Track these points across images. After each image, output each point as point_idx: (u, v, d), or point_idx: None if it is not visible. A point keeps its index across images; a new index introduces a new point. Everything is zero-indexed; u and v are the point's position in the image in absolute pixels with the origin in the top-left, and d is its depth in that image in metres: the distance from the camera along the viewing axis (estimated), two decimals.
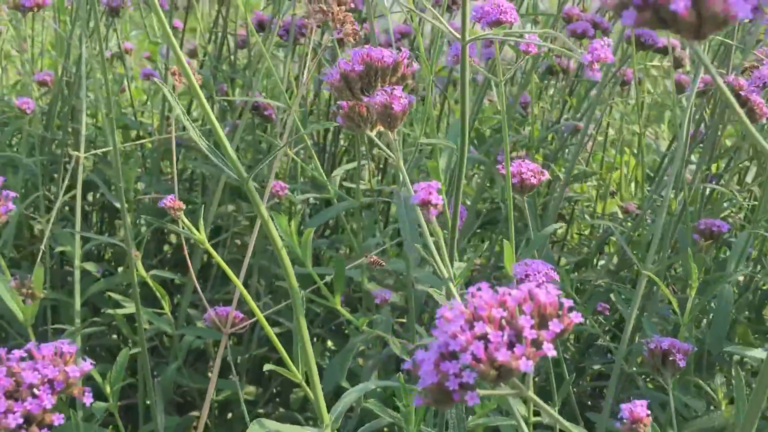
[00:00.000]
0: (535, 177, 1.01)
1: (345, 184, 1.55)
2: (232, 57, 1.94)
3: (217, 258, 0.93)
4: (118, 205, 1.59)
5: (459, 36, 0.78)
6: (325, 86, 1.34)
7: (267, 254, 1.61)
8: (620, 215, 1.81)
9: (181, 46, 1.93)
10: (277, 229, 0.97)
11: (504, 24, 0.87)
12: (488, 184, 1.65)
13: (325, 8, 1.05)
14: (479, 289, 0.48)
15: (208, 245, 0.92)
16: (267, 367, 0.86)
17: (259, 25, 1.79)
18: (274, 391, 1.63)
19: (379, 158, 1.84)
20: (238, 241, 1.83)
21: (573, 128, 1.65)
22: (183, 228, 0.94)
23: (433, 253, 0.76)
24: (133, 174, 1.66)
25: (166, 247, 1.91)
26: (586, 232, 2.00)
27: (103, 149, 1.55)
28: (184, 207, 0.93)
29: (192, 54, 1.95)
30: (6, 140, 1.80)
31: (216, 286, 1.66)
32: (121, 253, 1.76)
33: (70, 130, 1.77)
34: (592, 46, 0.88)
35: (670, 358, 0.90)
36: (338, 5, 1.05)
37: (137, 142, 1.69)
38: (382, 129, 0.77)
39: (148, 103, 2.15)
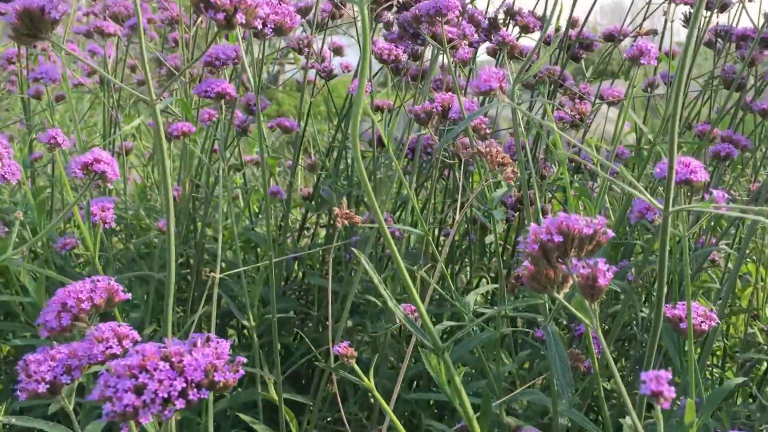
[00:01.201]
0: (705, 322, 0.99)
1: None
2: (349, 171, 1.97)
3: (382, 402, 0.93)
4: (246, 322, 1.62)
5: (649, 199, 0.77)
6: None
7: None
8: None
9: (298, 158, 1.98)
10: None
11: (694, 183, 0.86)
12: None
13: (482, 150, 1.05)
14: None
15: (376, 393, 0.92)
16: None
17: (379, 141, 1.83)
18: None
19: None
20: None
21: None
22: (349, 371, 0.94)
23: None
24: (257, 290, 1.69)
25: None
26: None
27: (233, 271, 1.58)
28: (356, 355, 0.93)
29: (311, 168, 1.99)
30: (136, 252, 1.86)
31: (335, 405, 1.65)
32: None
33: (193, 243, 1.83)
34: None
35: None
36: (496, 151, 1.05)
37: (260, 264, 1.72)
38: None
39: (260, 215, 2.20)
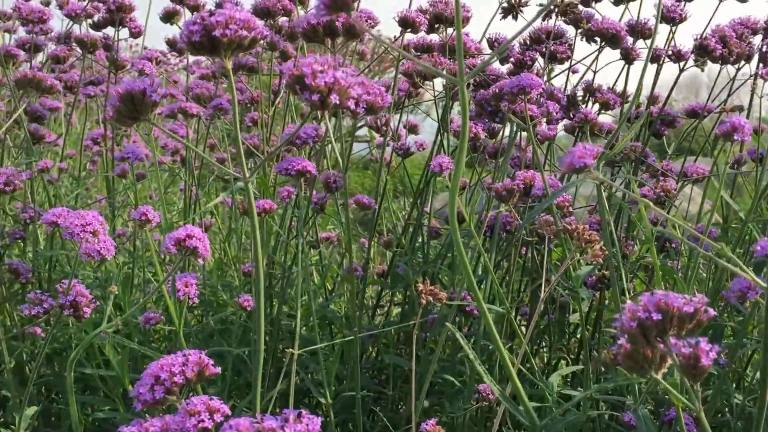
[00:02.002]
0: None
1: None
2: (426, 248, 1.97)
3: None
4: (322, 399, 1.60)
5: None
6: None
7: None
8: None
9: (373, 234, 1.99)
10: None
11: None
12: None
13: (569, 227, 1.04)
14: None
15: None
16: None
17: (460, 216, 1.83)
18: None
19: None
20: None
21: None
22: None
23: None
24: (334, 367, 1.68)
25: None
26: None
27: (310, 347, 1.57)
28: None
29: (387, 245, 1.99)
30: (214, 327, 1.87)
31: None
32: None
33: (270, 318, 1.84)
34: None
35: None
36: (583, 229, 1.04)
37: (336, 342, 1.71)
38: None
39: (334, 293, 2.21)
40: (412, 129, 2.29)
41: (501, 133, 1.78)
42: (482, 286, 1.64)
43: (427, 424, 0.92)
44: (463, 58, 0.67)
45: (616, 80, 1.96)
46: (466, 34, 1.92)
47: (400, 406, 1.99)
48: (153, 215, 1.27)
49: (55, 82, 1.55)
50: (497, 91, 1.40)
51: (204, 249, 0.95)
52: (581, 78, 1.86)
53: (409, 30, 1.74)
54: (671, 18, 1.83)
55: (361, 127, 2.30)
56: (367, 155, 2.38)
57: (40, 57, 2.42)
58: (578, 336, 1.89)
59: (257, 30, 0.76)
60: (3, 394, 1.93)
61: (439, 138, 1.90)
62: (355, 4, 1.14)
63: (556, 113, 1.56)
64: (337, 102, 0.72)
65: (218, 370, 0.79)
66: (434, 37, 1.87)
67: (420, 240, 1.99)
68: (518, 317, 1.89)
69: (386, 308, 2.11)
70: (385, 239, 1.98)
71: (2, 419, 1.92)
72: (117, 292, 1.04)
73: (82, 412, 1.87)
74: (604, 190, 1.32)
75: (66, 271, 2.23)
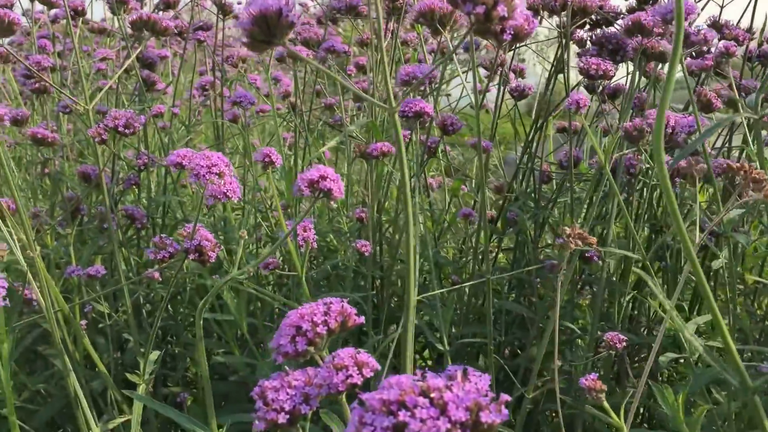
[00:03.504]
0: None
1: None
2: (536, 193, 1.91)
3: None
4: (440, 345, 1.59)
5: None
6: None
7: None
8: None
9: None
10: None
11: None
12: None
13: (734, 165, 0.96)
14: None
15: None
16: None
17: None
18: None
19: None
20: None
21: None
22: None
23: None
24: (450, 313, 1.65)
25: None
26: None
27: (427, 294, 1.55)
28: (605, 389, 0.87)
29: (499, 190, 1.94)
30: (330, 272, 1.87)
31: None
32: None
33: None
34: None
35: None
36: None
37: (453, 288, 1.68)
38: None
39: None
40: (520, 73, 2.21)
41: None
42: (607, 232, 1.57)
43: (587, 379, 0.87)
44: None
45: (741, 17, 1.83)
46: None
47: (513, 353, 1.95)
48: (276, 157, 1.25)
49: (169, 24, 1.55)
50: (630, 24, 1.31)
51: (338, 191, 0.92)
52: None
53: None
54: None
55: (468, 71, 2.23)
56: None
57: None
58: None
59: None
60: (124, 337, 1.99)
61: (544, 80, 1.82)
62: None
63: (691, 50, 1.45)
64: (504, 14, 0.65)
65: (362, 320, 0.76)
66: None
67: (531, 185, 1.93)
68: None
69: (495, 254, 2.06)
70: (496, 184, 1.93)
71: (121, 361, 1.98)
72: (245, 237, 1.03)
73: (190, 350, 1.91)
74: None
75: (178, 216, 2.27)
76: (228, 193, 1.11)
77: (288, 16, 0.70)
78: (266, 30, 0.70)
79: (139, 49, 1.79)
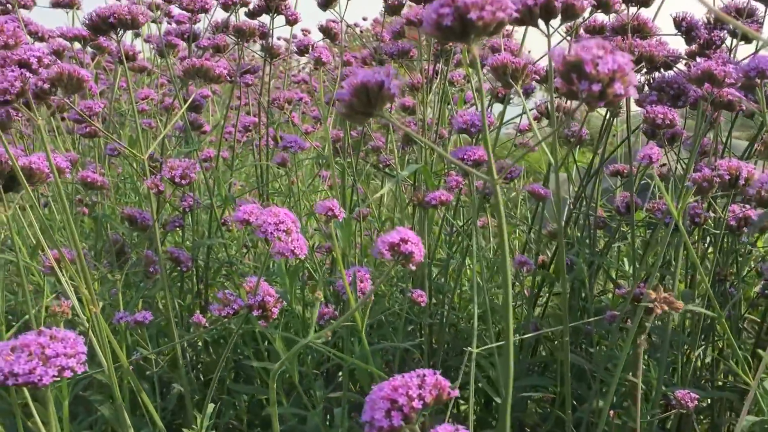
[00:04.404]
0: None
1: None
2: (592, 238, 1.87)
3: None
4: (498, 399, 1.54)
5: None
6: None
7: None
8: None
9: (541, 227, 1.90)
10: None
11: None
12: None
13: None
14: None
15: None
16: None
17: (627, 207, 1.71)
18: None
19: None
20: None
21: None
22: None
23: None
24: (510, 367, 1.61)
25: None
26: None
27: (487, 346, 1.51)
28: None
29: (552, 236, 1.90)
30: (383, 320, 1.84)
31: None
32: None
33: None
34: None
35: None
36: None
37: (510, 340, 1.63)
38: None
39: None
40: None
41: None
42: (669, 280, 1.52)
43: None
44: None
45: None
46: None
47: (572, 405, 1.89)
48: (339, 211, 1.22)
49: (222, 71, 1.53)
50: (700, 73, 1.28)
51: (419, 254, 0.89)
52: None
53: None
54: None
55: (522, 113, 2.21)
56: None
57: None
58: None
59: (509, 10, 0.68)
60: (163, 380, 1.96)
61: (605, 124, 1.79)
62: None
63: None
64: (621, 92, 0.63)
65: (456, 392, 0.73)
66: (602, 17, 1.75)
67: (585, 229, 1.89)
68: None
69: (546, 299, 2.02)
70: (549, 229, 1.89)
71: (163, 407, 1.95)
72: (321, 299, 0.99)
73: (236, 398, 1.87)
74: None
75: (221, 257, 2.25)
76: (295, 251, 1.09)
77: (390, 88, 0.68)
78: (366, 101, 0.69)
79: (192, 97, 1.78)
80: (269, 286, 1.19)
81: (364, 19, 5.37)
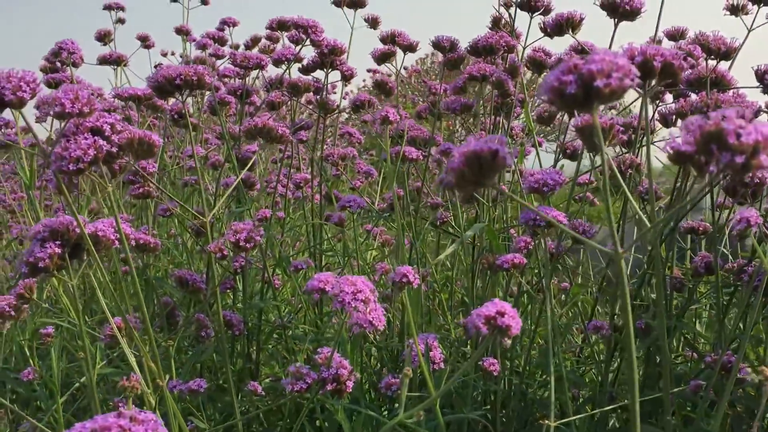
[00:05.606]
0: None
1: None
2: (668, 301, 1.77)
3: None
4: None
5: None
6: None
7: None
8: None
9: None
10: None
11: None
12: None
13: None
14: None
15: None
16: None
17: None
18: None
19: None
20: None
21: None
22: None
23: None
24: None
25: None
26: None
27: (565, 420, 1.41)
28: None
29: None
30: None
31: None
32: None
33: None
34: None
35: None
36: None
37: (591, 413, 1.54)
38: None
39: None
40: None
41: None
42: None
43: None
44: None
45: None
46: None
47: None
48: (414, 278, 1.15)
49: (285, 131, 1.48)
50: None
51: (516, 327, 0.81)
52: None
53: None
54: None
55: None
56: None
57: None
58: None
59: (634, 77, 0.62)
60: None
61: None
62: None
63: None
64: (766, 164, 0.56)
65: None
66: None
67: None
68: None
69: (616, 365, 1.91)
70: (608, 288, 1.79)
71: None
72: (410, 375, 0.91)
73: None
74: None
75: (271, 319, 2.17)
76: (374, 321, 1.01)
77: (505, 157, 0.62)
78: (477, 170, 0.63)
79: (251, 165, 1.73)
80: (341, 358, 1.11)
81: (405, 68, 5.37)
